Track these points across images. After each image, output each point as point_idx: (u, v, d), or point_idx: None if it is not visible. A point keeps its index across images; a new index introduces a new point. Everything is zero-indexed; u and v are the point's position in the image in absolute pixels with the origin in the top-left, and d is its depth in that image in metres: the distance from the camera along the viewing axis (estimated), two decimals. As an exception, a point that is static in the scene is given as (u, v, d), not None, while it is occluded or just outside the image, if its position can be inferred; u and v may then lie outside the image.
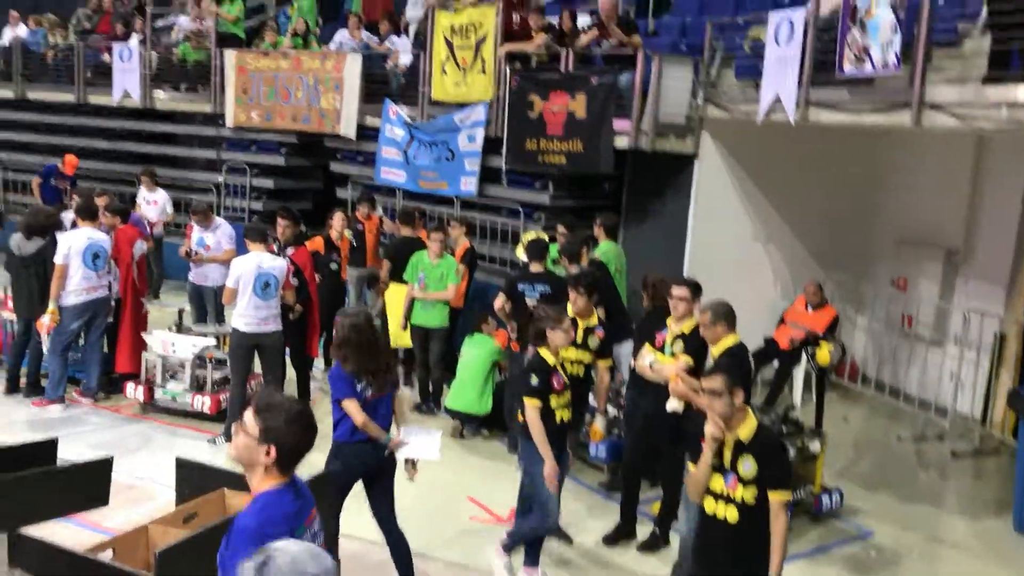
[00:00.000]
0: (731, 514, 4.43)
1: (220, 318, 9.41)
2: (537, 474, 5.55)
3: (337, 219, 9.54)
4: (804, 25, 7.82)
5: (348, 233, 9.73)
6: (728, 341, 5.68)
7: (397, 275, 9.09)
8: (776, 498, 4.36)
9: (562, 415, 5.65)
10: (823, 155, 9.65)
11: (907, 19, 6.97)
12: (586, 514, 6.90)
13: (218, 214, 12.97)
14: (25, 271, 8.47)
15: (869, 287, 10.29)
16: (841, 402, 9.86)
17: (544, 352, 5.65)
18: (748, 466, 4.37)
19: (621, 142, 9.31)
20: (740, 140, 9.39)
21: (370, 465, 5.29)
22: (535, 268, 7.79)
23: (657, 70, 8.94)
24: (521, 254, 8.68)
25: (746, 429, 4.42)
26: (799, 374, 9.38)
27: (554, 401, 5.58)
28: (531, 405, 5.52)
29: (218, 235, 9.60)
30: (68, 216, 9.49)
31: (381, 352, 5.39)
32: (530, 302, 7.54)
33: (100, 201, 9.40)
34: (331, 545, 5.26)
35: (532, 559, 5.84)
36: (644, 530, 6.57)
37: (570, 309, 6.51)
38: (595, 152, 9.44)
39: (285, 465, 3.15)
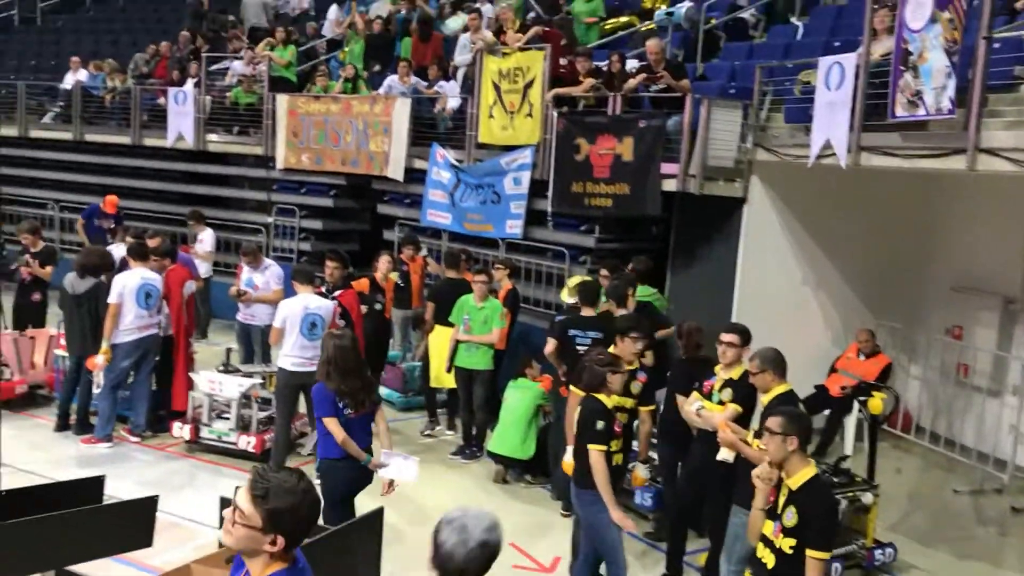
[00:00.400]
0: (769, 560, 4.38)
1: (267, 357, 9.46)
2: (603, 524, 5.44)
3: (383, 261, 9.59)
4: (855, 69, 7.76)
5: (394, 275, 9.77)
6: (778, 389, 5.56)
7: (441, 317, 9.09)
8: (812, 555, 4.23)
9: (617, 459, 5.67)
10: (875, 200, 9.51)
11: (961, 63, 6.88)
12: (633, 563, 6.73)
13: (267, 255, 13.15)
14: (78, 309, 8.62)
15: (923, 335, 10.06)
16: (894, 453, 9.62)
17: (603, 397, 5.56)
18: (790, 515, 4.29)
19: (669, 185, 9.26)
20: (790, 184, 9.30)
21: (359, 482, 5.78)
22: (587, 312, 7.69)
23: (706, 114, 8.91)
24: (567, 297, 8.61)
25: (797, 478, 4.34)
26: (851, 424, 9.16)
27: (614, 446, 5.55)
28: (598, 451, 5.41)
29: (267, 275, 9.70)
30: (115, 250, 9.65)
31: (362, 374, 5.86)
32: (581, 348, 7.46)
33: (152, 243, 9.57)
34: None
35: None
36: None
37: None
38: (642, 195, 9.40)
39: (293, 547, 2.85)
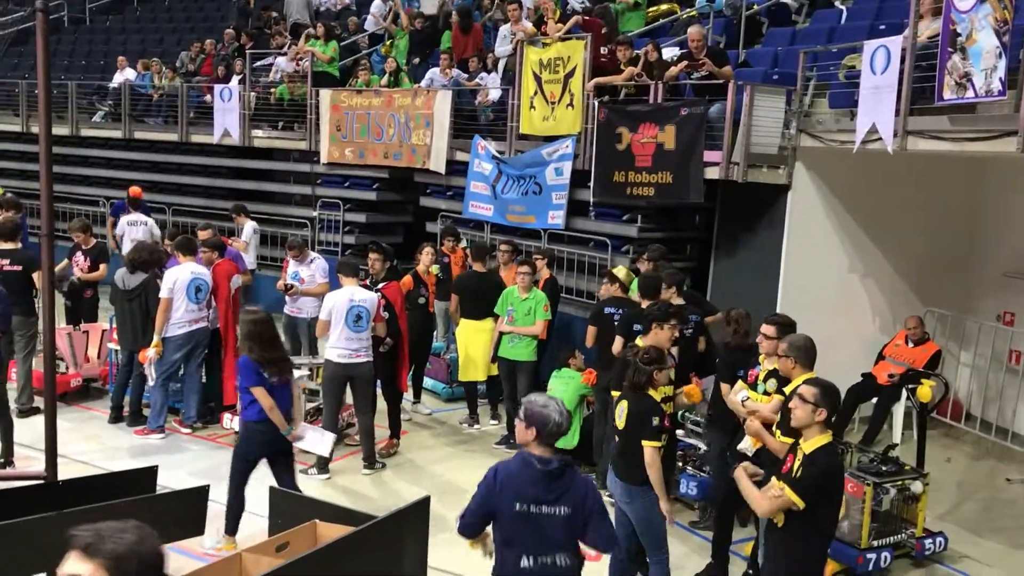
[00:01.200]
0: (780, 519, 4.56)
1: (314, 350, 9.58)
2: (655, 517, 5.47)
3: (425, 254, 9.65)
4: (901, 52, 7.63)
5: (435, 268, 9.83)
6: (802, 378, 5.40)
7: (466, 310, 9.14)
8: (783, 489, 4.41)
9: (664, 453, 5.66)
10: (923, 185, 9.36)
11: (1012, 43, 6.74)
12: (678, 552, 6.72)
13: (312, 248, 13.29)
14: (129, 304, 8.79)
15: (973, 322, 9.88)
16: (944, 442, 9.48)
17: (653, 393, 5.55)
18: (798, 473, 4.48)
19: (712, 173, 9.19)
20: (835, 170, 9.18)
21: (273, 445, 6.21)
22: (648, 305, 7.53)
23: (749, 100, 8.81)
24: (607, 288, 8.45)
25: (812, 443, 4.51)
26: (899, 412, 9.03)
27: (662, 440, 5.56)
28: (654, 447, 5.40)
29: (312, 269, 9.80)
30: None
31: (279, 345, 6.47)
32: None
33: (203, 235, 9.73)
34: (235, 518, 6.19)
35: None
36: (736, 571, 6.39)
37: (641, 342, 6.25)
38: (685, 184, 9.34)
39: None
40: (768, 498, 4.49)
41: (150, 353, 8.47)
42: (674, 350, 6.74)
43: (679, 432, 7.55)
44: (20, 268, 8.68)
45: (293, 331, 9.90)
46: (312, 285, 9.71)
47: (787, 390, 5.56)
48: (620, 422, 5.57)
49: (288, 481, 6.26)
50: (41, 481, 3.86)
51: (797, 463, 4.49)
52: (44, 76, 3.50)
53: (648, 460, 5.38)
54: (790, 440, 5.30)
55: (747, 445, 5.86)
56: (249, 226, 12.36)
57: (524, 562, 4.11)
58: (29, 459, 7.51)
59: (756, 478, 4.89)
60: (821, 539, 4.60)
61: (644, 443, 5.40)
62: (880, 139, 7.85)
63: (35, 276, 8.85)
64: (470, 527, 4.27)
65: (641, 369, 5.51)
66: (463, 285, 9.40)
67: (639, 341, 6.31)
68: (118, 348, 9.14)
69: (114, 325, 9.25)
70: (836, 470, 4.60)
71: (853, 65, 8.47)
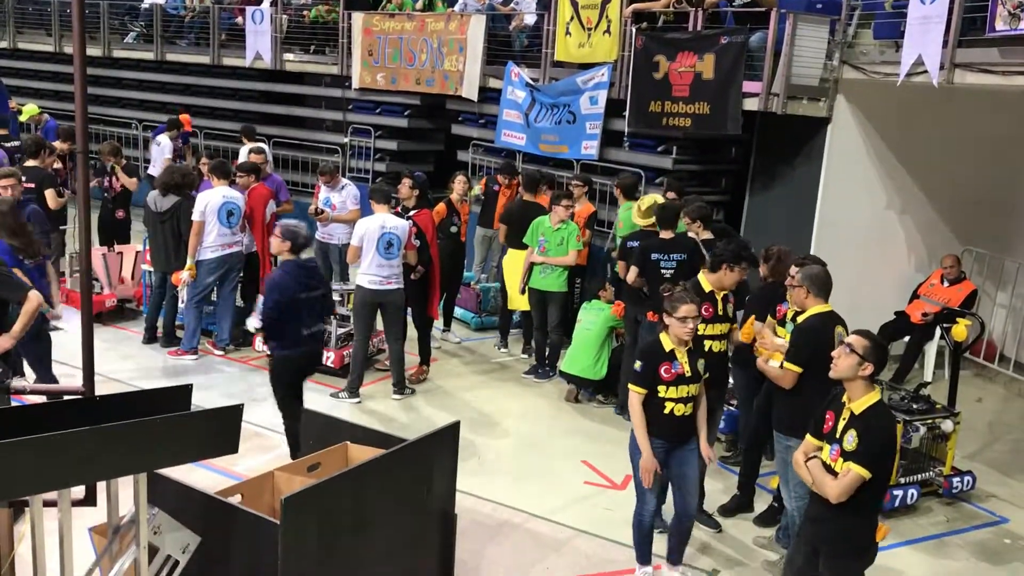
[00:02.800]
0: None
1: (345, 275, 9.62)
2: (636, 466, 5.29)
3: (458, 182, 9.59)
4: (952, -19, 7.37)
5: (476, 190, 9.70)
6: (816, 309, 5.41)
7: (513, 240, 9.10)
8: (852, 467, 4.16)
9: (674, 408, 5.17)
10: (967, 120, 9.11)
11: (1070, -27, 6.48)
12: (713, 489, 6.72)
13: (344, 175, 13.25)
14: (161, 226, 8.85)
15: (1011, 261, 9.71)
16: (976, 382, 9.41)
17: (664, 338, 5.26)
18: (851, 439, 4.22)
19: (751, 105, 9.00)
20: (877, 104, 8.95)
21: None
22: (666, 235, 7.52)
23: (791, 30, 8.58)
24: (638, 218, 8.36)
25: (861, 403, 4.28)
26: (931, 351, 8.96)
27: (663, 391, 5.15)
28: (633, 391, 5.18)
29: (343, 195, 9.79)
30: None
31: (28, 230, 6.75)
32: (665, 272, 7.35)
33: (256, 159, 9.80)
34: None
35: (673, 557, 5.56)
36: (762, 504, 6.44)
37: (706, 280, 6.06)
38: (722, 114, 9.15)
39: None
40: (839, 483, 4.18)
41: (183, 276, 8.55)
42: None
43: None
44: (33, 185, 8.82)
45: (324, 256, 9.93)
46: (343, 211, 9.71)
47: (800, 319, 5.52)
48: None
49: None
50: (79, 396, 3.91)
51: (843, 422, 4.29)
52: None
53: (629, 403, 5.24)
54: (795, 368, 5.31)
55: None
56: (245, 149, 12.23)
57: (304, 331, 6.36)
58: (63, 374, 7.65)
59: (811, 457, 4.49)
60: (875, 504, 4.38)
61: (629, 384, 5.26)
62: (926, 71, 7.63)
63: (48, 194, 8.99)
64: (273, 315, 6.29)
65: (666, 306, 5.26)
66: (511, 214, 9.36)
67: (701, 277, 6.08)
68: (151, 270, 9.24)
69: (147, 247, 9.34)
70: (892, 433, 4.36)
71: (901, -6, 8.20)
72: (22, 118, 12.48)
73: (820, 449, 4.40)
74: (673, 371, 5.15)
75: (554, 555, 5.73)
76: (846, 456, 4.22)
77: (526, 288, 8.81)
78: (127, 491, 3.58)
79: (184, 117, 13.64)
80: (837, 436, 4.31)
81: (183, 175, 9.18)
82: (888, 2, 8.48)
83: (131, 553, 3.66)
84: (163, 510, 3.79)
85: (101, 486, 3.77)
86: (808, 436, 4.52)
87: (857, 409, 4.27)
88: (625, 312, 7.98)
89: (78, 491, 3.72)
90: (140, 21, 16.22)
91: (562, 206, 8.54)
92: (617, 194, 9.19)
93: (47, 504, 3.46)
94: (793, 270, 5.96)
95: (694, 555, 5.84)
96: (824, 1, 9.34)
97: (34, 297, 5.73)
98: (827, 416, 4.42)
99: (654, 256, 7.39)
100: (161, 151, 12.54)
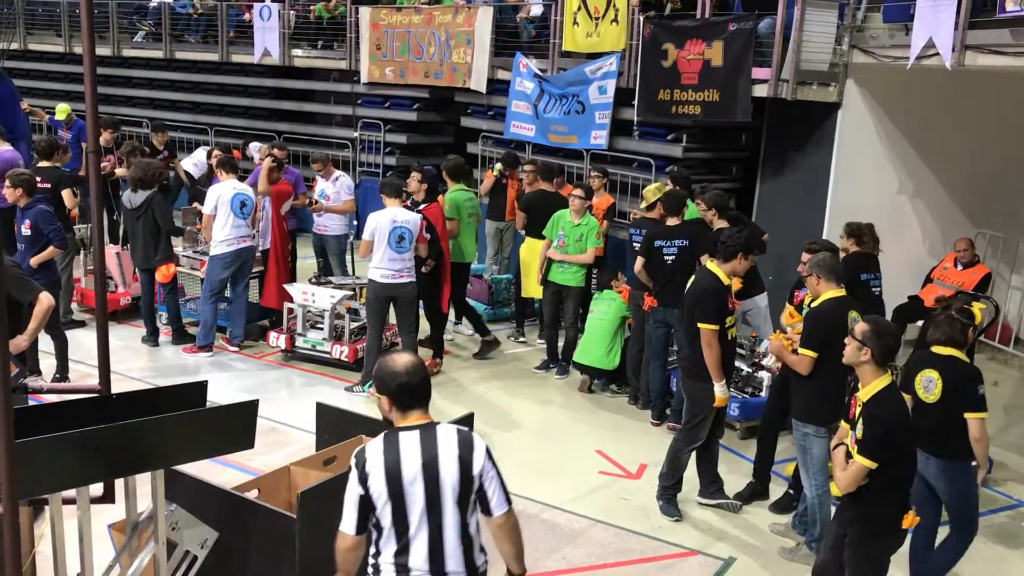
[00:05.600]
0: None
1: (342, 266, 9.67)
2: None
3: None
4: (962, -38, 7.31)
5: (495, 169, 9.77)
6: (829, 294, 5.43)
7: (532, 228, 9.09)
8: (856, 458, 4.20)
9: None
10: (979, 103, 9.05)
11: (1081, -49, 6.42)
12: (720, 472, 6.76)
13: (353, 169, 13.27)
14: (136, 223, 8.70)
15: (1025, 244, 9.66)
16: (991, 365, 9.37)
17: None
18: (860, 428, 4.26)
19: (760, 91, 8.96)
20: (887, 88, 8.90)
21: None
22: (672, 221, 7.57)
23: (800, 15, 8.53)
24: (645, 206, 8.36)
25: (868, 390, 4.32)
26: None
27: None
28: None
29: (337, 186, 9.86)
30: None
31: None
32: (668, 258, 7.38)
33: (281, 154, 9.83)
34: None
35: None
36: (777, 490, 6.44)
37: (718, 269, 5.99)
38: (732, 102, 9.12)
39: None
40: (846, 473, 4.25)
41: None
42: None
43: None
44: (49, 185, 8.85)
45: (321, 248, 9.99)
46: (337, 202, 9.76)
47: (814, 305, 5.53)
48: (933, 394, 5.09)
49: None
50: (95, 395, 3.94)
51: (858, 410, 4.33)
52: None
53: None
54: (809, 353, 5.32)
55: (771, 361, 6.04)
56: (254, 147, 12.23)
57: None
58: (79, 373, 7.72)
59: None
60: (896, 490, 4.30)
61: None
62: (936, 54, 7.58)
63: (64, 194, 9.03)
64: None
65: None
66: (529, 203, 9.36)
67: (710, 264, 6.07)
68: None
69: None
70: (899, 418, 4.28)
71: (910, -23, 8.14)
72: (59, 117, 12.60)
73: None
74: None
75: (570, 545, 5.74)
76: (857, 445, 4.24)
77: (544, 280, 8.78)
78: (144, 488, 3.61)
79: (236, 152, 13.57)
80: (854, 424, 4.34)
81: (154, 170, 9.11)
82: (898, -15, 8.42)
83: (150, 549, 3.70)
84: (180, 506, 3.83)
85: (119, 483, 3.80)
86: (842, 422, 4.58)
87: (864, 397, 4.32)
88: (631, 298, 8.00)
89: (96, 488, 3.75)
90: (149, 20, 16.27)
91: (577, 197, 8.52)
92: (446, 178, 9.16)
93: (66, 502, 3.49)
94: (804, 257, 5.97)
95: (710, 542, 5.86)
96: (833, -15, 9.30)
97: (45, 298, 5.77)
98: (851, 402, 4.46)
99: (657, 243, 7.43)
100: (198, 167, 12.55)
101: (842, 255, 6.73)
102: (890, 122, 9.12)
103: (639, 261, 7.58)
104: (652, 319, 7.62)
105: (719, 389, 5.88)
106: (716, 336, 5.83)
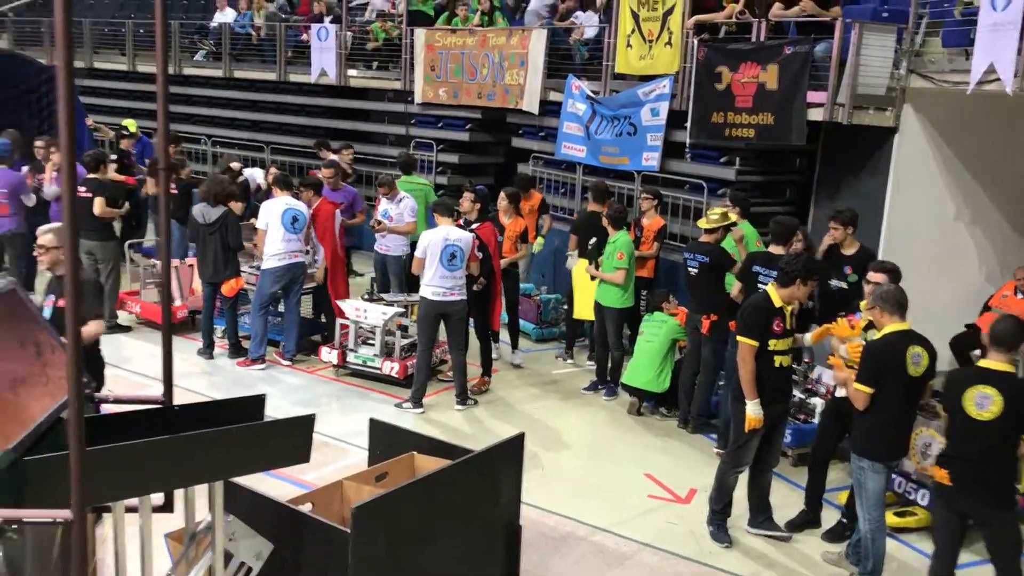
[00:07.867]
0: None
1: (402, 286, 9.76)
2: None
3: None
4: (1025, -13, 7.22)
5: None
6: (892, 327, 5.29)
7: (583, 249, 9.12)
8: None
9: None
10: (1040, 129, 8.90)
11: None
12: (776, 504, 6.68)
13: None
14: (209, 238, 8.95)
15: (1088, 273, 9.42)
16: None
17: (773, 292, 5.87)
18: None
19: (815, 115, 8.91)
20: (946, 113, 8.79)
21: None
22: (777, 250, 7.36)
23: (857, 39, 8.47)
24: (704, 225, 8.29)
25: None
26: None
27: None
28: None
29: (401, 208, 9.94)
30: None
31: None
32: (761, 286, 7.26)
33: (326, 173, 10.12)
34: None
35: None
36: (830, 518, 6.35)
37: (776, 294, 5.94)
38: (786, 125, 9.07)
39: None
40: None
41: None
42: None
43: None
44: (90, 195, 9.29)
45: (383, 268, 10.09)
46: (400, 223, 9.86)
47: (874, 339, 5.46)
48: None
49: None
50: (159, 406, 4.03)
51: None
52: (161, 18, 3.58)
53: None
54: (865, 388, 5.24)
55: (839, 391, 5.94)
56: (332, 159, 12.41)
57: None
58: (130, 383, 7.86)
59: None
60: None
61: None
62: (998, 79, 7.48)
63: (96, 201, 9.41)
64: None
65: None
66: (580, 225, 9.38)
67: (770, 287, 6.03)
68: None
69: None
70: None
71: (971, 2, 8.05)
72: (131, 129, 13.10)
73: None
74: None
75: (619, 569, 5.72)
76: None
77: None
78: (202, 498, 3.68)
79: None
80: None
81: (230, 185, 9.35)
82: (958, 9, 8.33)
83: (207, 559, 3.76)
84: (236, 517, 3.89)
85: (178, 493, 3.88)
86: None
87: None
88: (688, 320, 7.95)
89: (157, 497, 3.83)
90: (209, 39, 16.66)
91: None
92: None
93: (128, 510, 3.57)
94: (867, 289, 5.93)
95: (760, 570, 5.80)
96: (890, 9, 9.24)
97: (95, 326, 5.69)
98: None
99: (755, 268, 7.40)
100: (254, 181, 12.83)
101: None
102: (948, 147, 9.00)
103: (736, 286, 7.50)
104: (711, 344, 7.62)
105: (751, 408, 5.81)
106: (752, 353, 5.77)
